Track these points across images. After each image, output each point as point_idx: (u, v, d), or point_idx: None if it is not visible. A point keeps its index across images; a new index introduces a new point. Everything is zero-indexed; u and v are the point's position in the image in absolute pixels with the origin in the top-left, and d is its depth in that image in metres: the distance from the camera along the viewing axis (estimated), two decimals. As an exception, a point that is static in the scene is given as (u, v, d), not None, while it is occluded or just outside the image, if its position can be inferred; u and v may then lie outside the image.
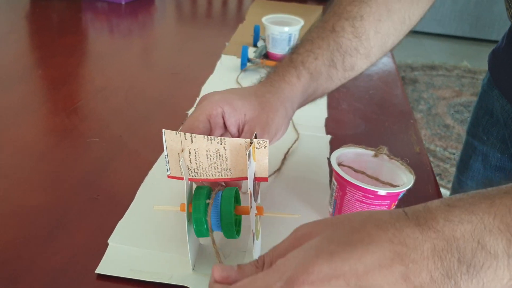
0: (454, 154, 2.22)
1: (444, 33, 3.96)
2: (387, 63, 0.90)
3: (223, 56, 0.83)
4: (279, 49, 0.79)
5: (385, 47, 0.50)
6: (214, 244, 0.34)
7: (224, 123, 0.39)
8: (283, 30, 0.77)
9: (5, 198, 0.44)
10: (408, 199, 0.49)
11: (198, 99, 0.66)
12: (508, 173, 0.63)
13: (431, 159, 2.18)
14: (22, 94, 0.64)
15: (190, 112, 0.62)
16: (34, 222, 0.41)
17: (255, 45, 0.87)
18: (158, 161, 0.50)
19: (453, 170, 2.09)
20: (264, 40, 0.83)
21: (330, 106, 0.68)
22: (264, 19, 0.79)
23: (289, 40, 0.78)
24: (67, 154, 0.51)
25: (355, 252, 0.25)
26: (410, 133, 0.64)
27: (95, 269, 0.36)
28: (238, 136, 0.39)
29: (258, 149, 0.33)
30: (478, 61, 3.47)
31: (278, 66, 0.46)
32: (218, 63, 0.79)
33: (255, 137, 0.34)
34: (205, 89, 0.69)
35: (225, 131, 0.40)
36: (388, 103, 0.73)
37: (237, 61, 0.80)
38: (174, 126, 0.59)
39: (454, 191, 0.75)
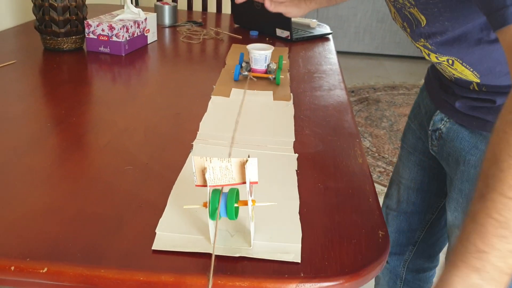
0: (414, 165, 2.48)
1: (403, 54, 4.30)
2: (340, 95, 1.14)
3: (212, 97, 1.05)
4: (259, 66, 1.17)
5: None
6: (216, 225, 0.56)
7: None
8: (261, 53, 1.15)
9: (83, 207, 0.64)
10: (351, 195, 0.72)
11: (198, 132, 0.88)
12: (423, 142, 0.98)
13: (393, 169, 2.44)
14: (65, 136, 0.85)
15: (194, 143, 0.84)
16: (103, 221, 0.62)
17: (240, 66, 1.21)
18: (178, 178, 0.72)
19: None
20: (247, 62, 1.21)
21: (296, 132, 0.91)
22: (248, 46, 1.17)
23: (265, 59, 1.17)
24: (113, 178, 0.72)
25: None
26: (356, 149, 0.87)
27: (151, 247, 0.57)
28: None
29: (251, 165, 0.55)
30: (435, 79, 3.79)
31: None
32: (210, 103, 1.02)
33: (248, 157, 0.56)
34: (203, 124, 0.92)
35: None
36: (341, 127, 0.96)
37: (225, 100, 1.03)
38: (185, 153, 0.80)
39: (400, 153, 1.10)
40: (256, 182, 0.57)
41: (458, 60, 0.75)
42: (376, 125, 2.93)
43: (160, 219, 0.62)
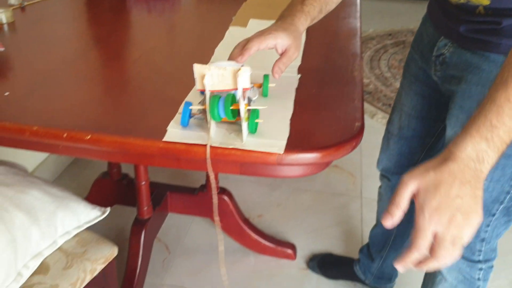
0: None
1: (447, -1, 4.17)
2: (353, 22, 1.23)
3: (230, 27, 1.17)
4: None
5: None
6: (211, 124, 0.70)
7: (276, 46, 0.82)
8: None
9: (118, 99, 0.81)
10: (340, 98, 0.84)
11: (212, 57, 1.01)
12: (424, 71, 1.04)
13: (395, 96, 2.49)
14: (105, 51, 1.02)
15: (209, 63, 0.98)
16: (133, 108, 0.78)
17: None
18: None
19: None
20: None
21: (304, 54, 1.02)
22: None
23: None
24: (142, 82, 0.89)
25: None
26: (355, 65, 0.97)
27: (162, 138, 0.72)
28: (281, 54, 0.82)
29: (244, 72, 0.67)
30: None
31: (295, 10, 0.86)
32: (227, 33, 1.13)
33: (243, 65, 0.68)
34: (217, 50, 1.02)
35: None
36: (345, 49, 1.07)
37: (242, 29, 1.14)
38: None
39: (402, 81, 1.17)
40: (249, 88, 0.68)
41: None
42: (408, 68, 2.95)
43: (174, 118, 0.75)
